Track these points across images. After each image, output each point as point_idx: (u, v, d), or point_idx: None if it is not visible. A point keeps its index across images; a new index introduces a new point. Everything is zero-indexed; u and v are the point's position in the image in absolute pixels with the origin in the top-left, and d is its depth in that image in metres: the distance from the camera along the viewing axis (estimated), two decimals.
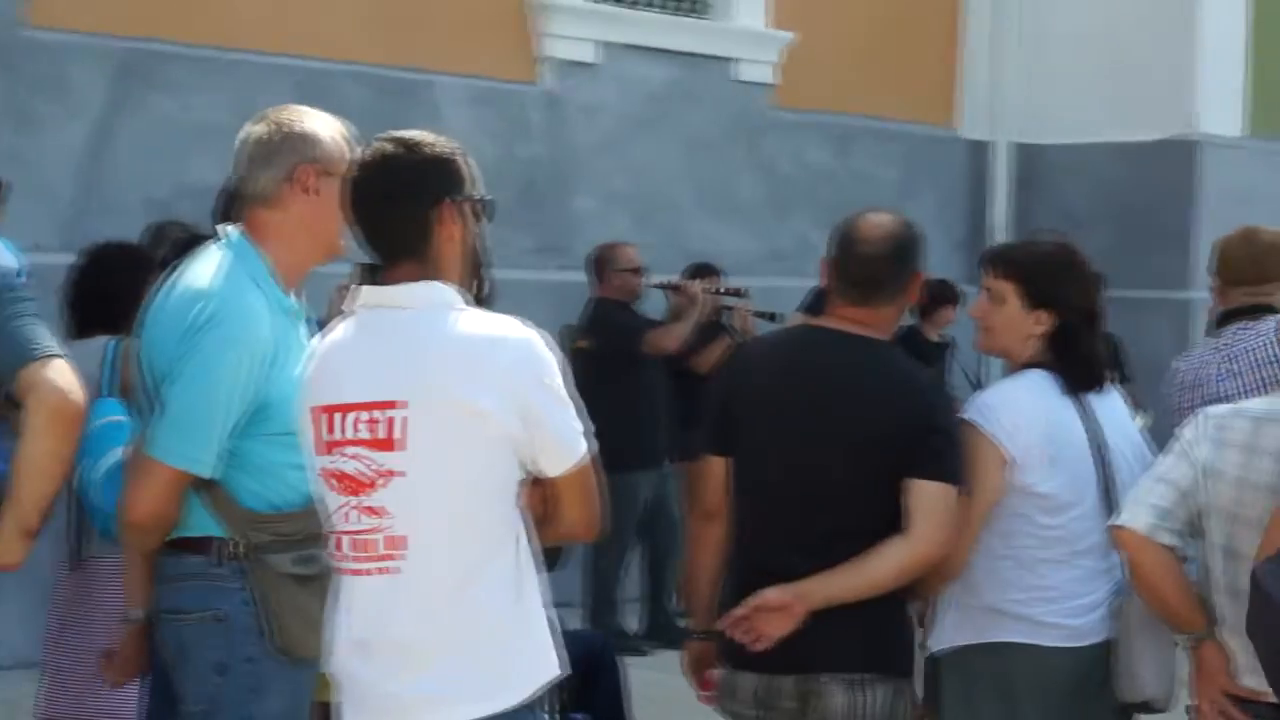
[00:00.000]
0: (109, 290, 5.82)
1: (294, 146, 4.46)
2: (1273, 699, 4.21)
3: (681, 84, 12.31)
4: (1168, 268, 13.29)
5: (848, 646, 4.66)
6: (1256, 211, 12.23)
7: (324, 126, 4.51)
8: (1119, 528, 4.42)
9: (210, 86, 10.06)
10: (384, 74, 10.77)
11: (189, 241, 6.25)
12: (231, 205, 4.96)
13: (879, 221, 4.84)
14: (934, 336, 12.07)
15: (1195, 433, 4.39)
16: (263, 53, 10.30)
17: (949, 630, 4.91)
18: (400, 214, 3.81)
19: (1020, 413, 4.79)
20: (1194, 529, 4.35)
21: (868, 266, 4.77)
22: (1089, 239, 13.73)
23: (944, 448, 4.69)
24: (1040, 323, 4.85)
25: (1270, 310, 5.74)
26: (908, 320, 11.40)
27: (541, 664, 3.82)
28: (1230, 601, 4.30)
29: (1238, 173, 13.58)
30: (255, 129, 4.52)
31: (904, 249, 4.82)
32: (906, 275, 4.83)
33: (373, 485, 3.74)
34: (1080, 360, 4.90)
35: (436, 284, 3.79)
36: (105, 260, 6.07)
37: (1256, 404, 4.44)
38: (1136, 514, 4.38)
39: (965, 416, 4.81)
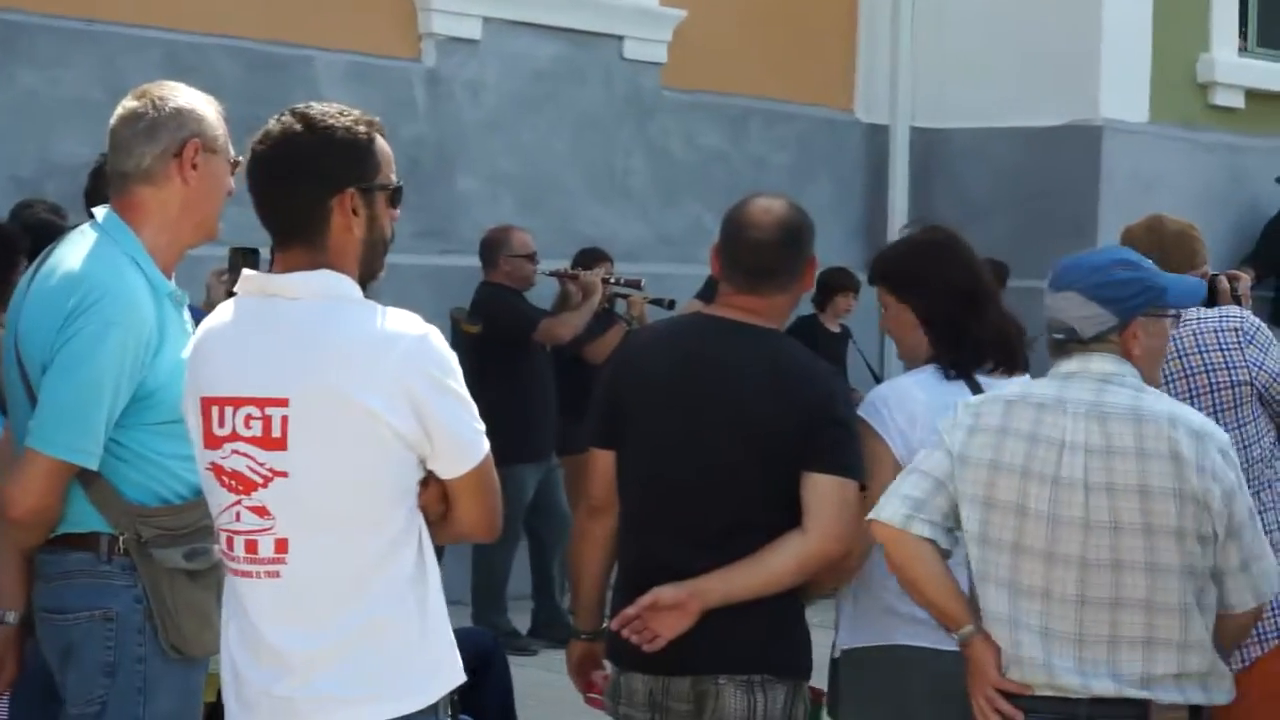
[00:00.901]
0: None
1: (180, 122, 4.41)
2: (1042, 691, 4.25)
3: (569, 62, 12.28)
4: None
5: (744, 646, 4.67)
6: (1160, 199, 12.41)
7: (203, 102, 4.48)
8: (872, 521, 4.41)
9: (76, 59, 9.96)
10: (259, 48, 10.70)
11: (48, 226, 6.20)
12: (101, 184, 4.92)
13: (769, 207, 4.84)
14: (832, 326, 12.14)
15: (951, 421, 4.41)
16: (131, 24, 10.19)
17: (845, 631, 4.95)
18: (298, 198, 3.75)
19: (911, 408, 4.82)
20: (955, 519, 4.35)
21: (758, 254, 4.77)
22: (990, 227, 13.99)
23: (843, 440, 4.72)
24: (915, 314, 4.90)
25: None
26: (806, 309, 11.47)
27: (443, 670, 3.80)
28: (992, 591, 4.31)
29: (1141, 159, 13.70)
30: (132, 104, 4.46)
31: (796, 235, 4.82)
32: (799, 262, 4.84)
33: (259, 485, 3.71)
34: (961, 343, 4.93)
35: (330, 273, 3.73)
36: None
37: (1012, 388, 4.47)
38: (890, 505, 4.37)
39: (860, 413, 4.84)
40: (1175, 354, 5.56)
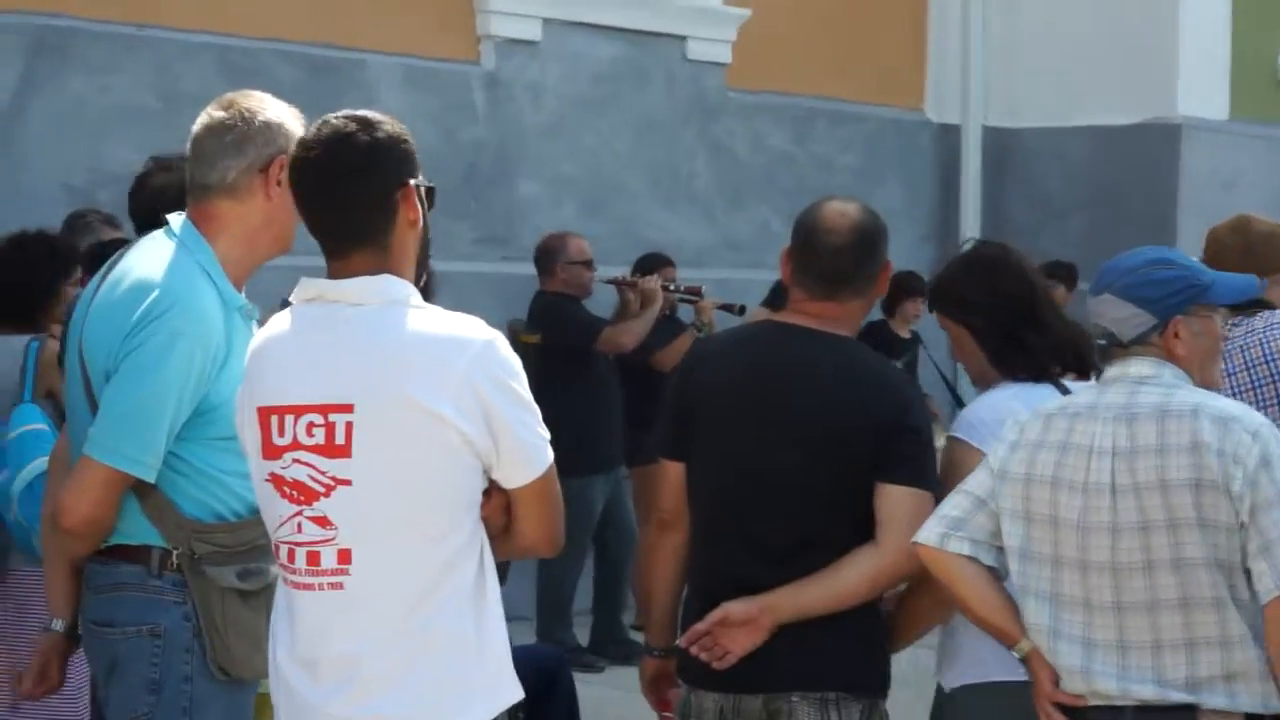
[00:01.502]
0: (27, 283, 5.79)
1: (269, 137, 4.42)
2: (1095, 701, 4.25)
3: (631, 63, 12.28)
4: None
5: (818, 662, 4.67)
6: (1240, 198, 12.35)
7: (290, 116, 4.48)
8: (915, 544, 4.44)
9: (128, 66, 9.99)
10: (314, 52, 10.72)
11: (103, 243, 6.21)
12: (145, 196, 4.92)
13: (843, 210, 4.84)
14: (903, 332, 12.11)
15: (998, 438, 4.44)
16: (183, 29, 10.22)
17: (959, 665, 4.91)
18: (362, 196, 3.77)
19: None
20: (999, 536, 4.37)
21: (833, 259, 4.77)
22: (1065, 228, 13.96)
23: (917, 450, 4.72)
24: (972, 335, 4.88)
25: (1264, 305, 5.73)
26: (875, 315, 11.44)
27: (501, 688, 3.80)
28: (1032, 604, 4.32)
29: (1221, 157, 13.65)
30: (220, 114, 4.47)
31: (870, 240, 4.82)
32: (874, 267, 4.84)
33: (321, 494, 3.72)
34: (1025, 355, 4.90)
35: (391, 278, 3.76)
36: (22, 251, 6.04)
37: (1055, 402, 4.48)
38: (929, 526, 4.41)
39: (955, 434, 4.83)
40: (1243, 365, 5.54)
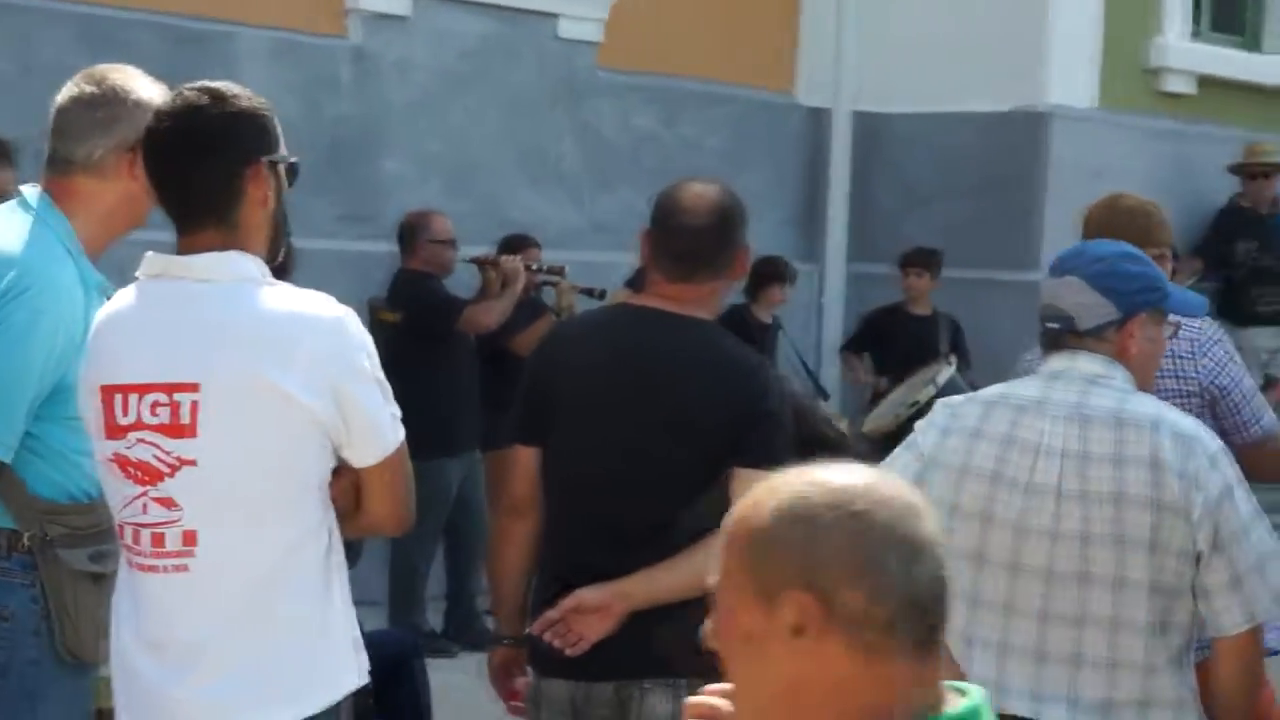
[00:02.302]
0: None
1: (138, 116, 4.33)
2: (1006, 712, 4.13)
3: (500, 40, 12.25)
4: (1013, 247, 13.42)
5: (670, 649, 4.64)
6: (1107, 187, 12.33)
7: (159, 95, 4.40)
8: None
9: None
10: (179, 23, 10.61)
11: None
12: None
13: (702, 192, 4.84)
14: (764, 317, 12.15)
15: (927, 422, 4.37)
16: None
17: None
18: (208, 171, 3.75)
19: None
20: None
21: (689, 240, 4.77)
22: (931, 215, 14.06)
23: (772, 433, 4.73)
24: None
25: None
26: (737, 298, 11.47)
27: (348, 672, 3.79)
28: (956, 604, 4.26)
29: (1088, 147, 13.75)
30: (89, 89, 4.39)
31: (728, 221, 4.82)
32: (731, 250, 4.83)
33: (166, 475, 3.69)
34: None
35: (240, 254, 3.74)
36: None
37: (994, 389, 4.38)
38: None
39: None
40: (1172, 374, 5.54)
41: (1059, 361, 4.26)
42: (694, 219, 4.78)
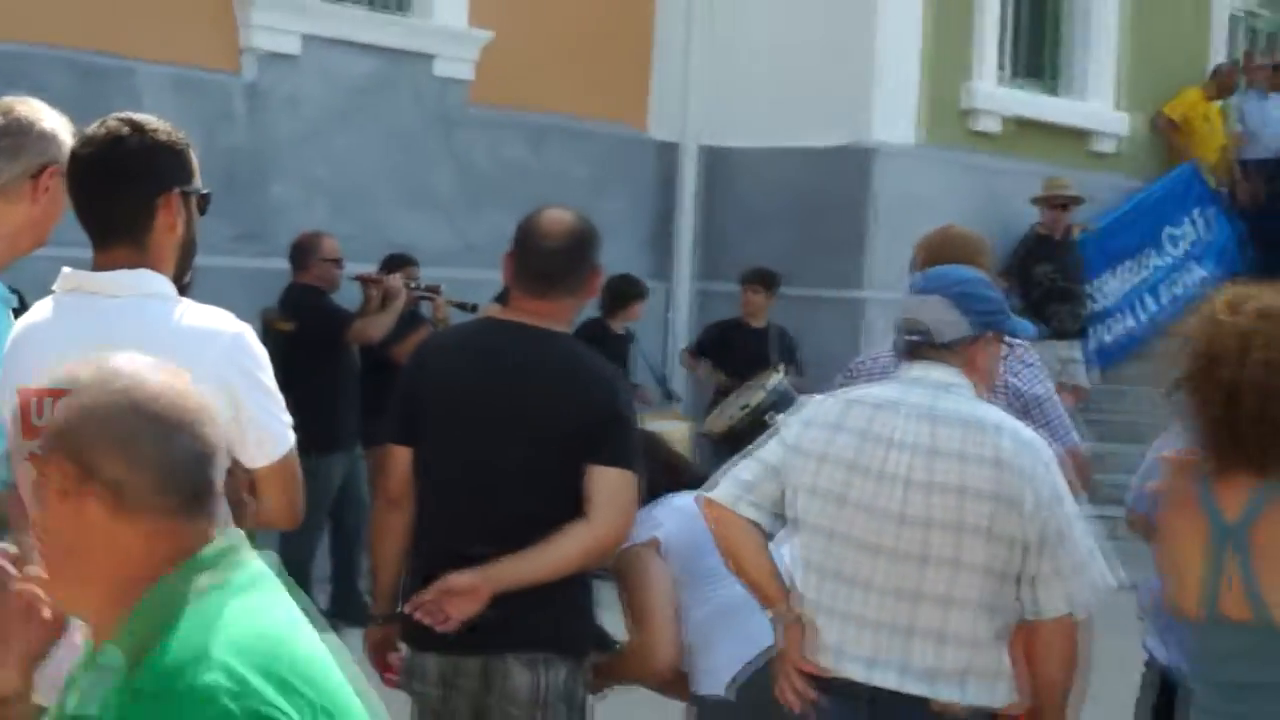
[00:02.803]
0: None
1: (44, 147, 4.27)
2: (843, 674, 4.23)
3: (382, 78, 12.22)
4: (842, 268, 13.54)
5: (530, 627, 4.68)
6: (925, 217, 12.49)
7: (63, 126, 4.35)
8: (705, 498, 4.44)
9: None
10: (84, 58, 10.50)
11: None
12: None
13: (559, 218, 4.87)
14: (618, 329, 12.17)
15: (792, 414, 4.42)
16: None
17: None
18: (124, 198, 3.73)
19: None
20: (783, 505, 4.35)
21: (546, 261, 4.79)
22: (769, 240, 14.13)
23: (623, 435, 4.75)
24: None
25: None
26: (594, 312, 11.50)
27: None
28: (802, 574, 4.32)
29: (908, 180, 13.87)
30: None
31: (582, 245, 4.85)
32: (584, 270, 4.86)
33: None
34: None
35: (149, 272, 3.72)
36: None
37: (855, 390, 4.46)
38: (723, 486, 4.40)
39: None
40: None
41: (916, 369, 4.32)
42: (550, 242, 4.80)
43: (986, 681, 4.21)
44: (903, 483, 4.20)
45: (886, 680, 4.20)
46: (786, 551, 4.43)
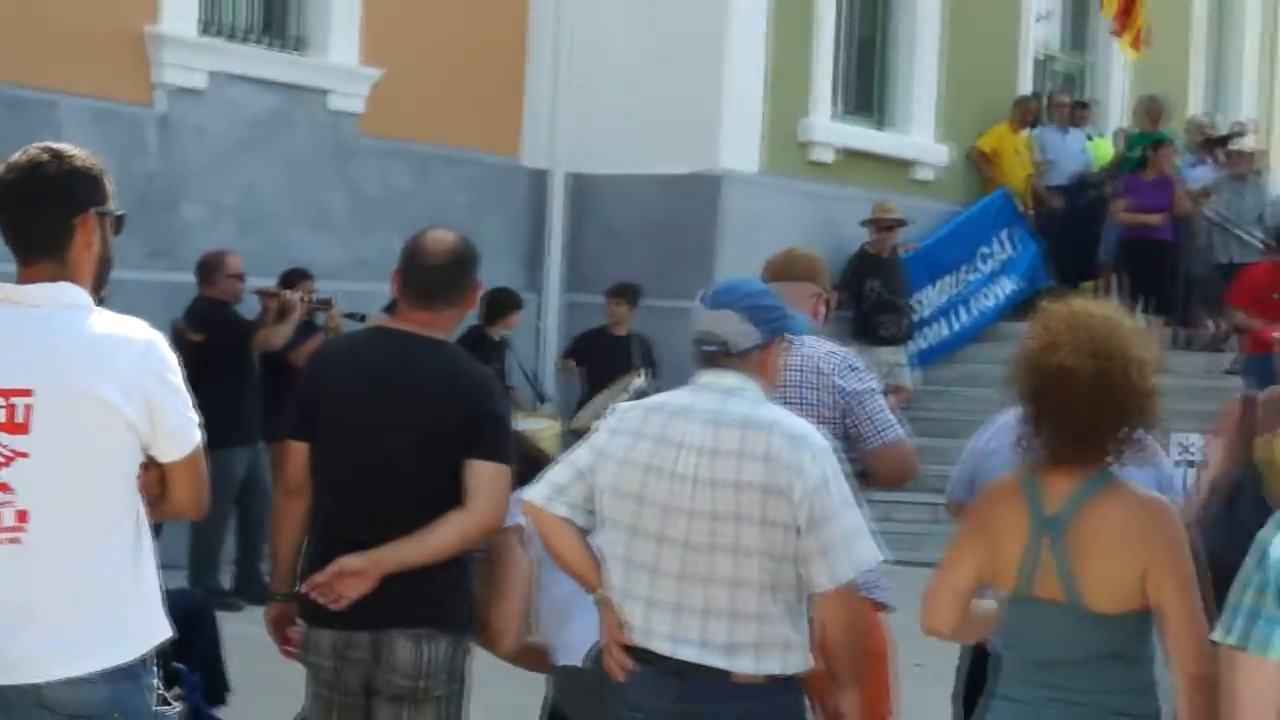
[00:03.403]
0: None
1: None
2: (652, 649, 4.21)
3: (281, 111, 12.14)
4: (694, 282, 13.42)
5: (414, 605, 4.66)
6: (767, 238, 12.65)
7: None
8: (522, 500, 4.41)
9: None
10: (10, 92, 10.38)
11: None
12: None
13: (441, 238, 4.85)
14: (496, 337, 12.14)
15: (602, 422, 4.40)
16: None
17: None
18: (45, 218, 3.69)
19: None
20: (594, 503, 4.32)
21: (430, 276, 4.78)
22: (630, 257, 14.16)
23: (498, 432, 4.73)
24: None
25: None
26: (475, 322, 11.48)
27: (155, 627, 3.74)
28: (615, 566, 4.29)
29: (752, 204, 13.95)
30: None
31: (463, 262, 4.83)
32: (464, 284, 4.84)
33: (2, 464, 3.61)
34: None
35: (69, 285, 3.68)
36: None
37: (655, 398, 4.42)
38: (537, 488, 4.37)
39: None
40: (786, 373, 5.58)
41: (707, 376, 4.30)
42: (434, 260, 4.78)
43: (778, 652, 4.19)
44: (691, 481, 4.18)
45: (689, 655, 4.19)
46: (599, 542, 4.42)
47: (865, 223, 14.50)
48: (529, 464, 4.92)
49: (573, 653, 4.89)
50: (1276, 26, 21.89)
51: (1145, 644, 3.90)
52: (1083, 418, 3.88)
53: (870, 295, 14.31)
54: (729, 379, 4.27)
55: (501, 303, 11.96)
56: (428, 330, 4.78)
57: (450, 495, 4.66)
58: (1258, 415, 5.17)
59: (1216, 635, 3.33)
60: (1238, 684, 3.28)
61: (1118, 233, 15.85)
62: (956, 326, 15.53)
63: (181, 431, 3.71)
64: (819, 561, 4.16)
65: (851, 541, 4.19)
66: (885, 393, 5.89)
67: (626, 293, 12.81)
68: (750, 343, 4.28)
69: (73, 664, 3.61)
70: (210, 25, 11.83)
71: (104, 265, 3.79)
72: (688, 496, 4.18)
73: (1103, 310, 4.03)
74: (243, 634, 7.65)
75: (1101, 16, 17.34)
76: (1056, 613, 3.90)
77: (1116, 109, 18.44)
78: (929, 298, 15.43)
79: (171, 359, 3.70)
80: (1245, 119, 19.62)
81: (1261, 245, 15.18)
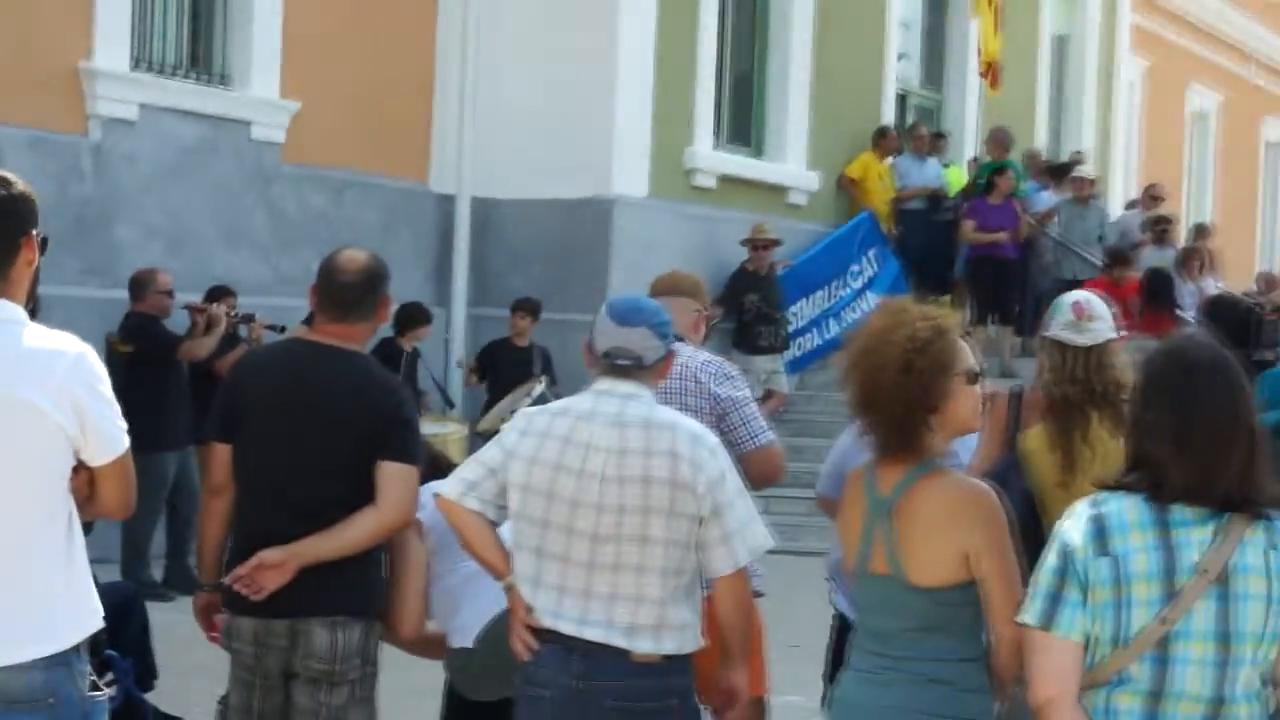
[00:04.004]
0: None
1: None
2: (562, 630, 4.20)
3: (207, 141, 12.04)
4: (589, 297, 13.53)
5: (329, 595, 4.63)
6: (656, 256, 12.72)
7: None
8: (436, 494, 4.40)
9: None
10: None
11: None
12: None
13: (354, 256, 4.82)
14: (407, 348, 12.09)
15: (510, 425, 4.40)
16: None
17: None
18: None
19: None
20: (505, 498, 4.30)
21: (344, 292, 4.75)
22: (531, 275, 14.13)
23: (407, 436, 4.70)
24: None
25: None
26: (388, 334, 11.42)
27: (87, 617, 3.68)
28: (528, 556, 4.27)
29: (642, 226, 13.99)
30: None
31: (373, 279, 4.79)
32: (376, 300, 4.81)
33: None
34: None
35: (7, 302, 3.63)
36: None
37: (559, 403, 4.43)
38: (450, 483, 4.35)
39: None
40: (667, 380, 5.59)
41: (604, 384, 4.31)
42: (348, 277, 4.75)
43: (675, 632, 4.21)
44: (599, 479, 4.19)
45: (595, 635, 4.19)
46: (507, 533, 4.40)
47: (744, 242, 14.57)
48: (431, 465, 4.90)
49: (465, 635, 4.87)
50: (1111, 67, 22.27)
51: (966, 617, 3.92)
52: (895, 408, 3.92)
53: (750, 308, 14.37)
54: (625, 386, 4.29)
55: (412, 316, 11.91)
56: (342, 342, 4.75)
57: (362, 493, 4.63)
58: (1021, 412, 5.25)
59: (1021, 618, 3.43)
60: (1041, 661, 3.39)
61: (967, 251, 16.03)
62: (827, 336, 15.61)
63: (110, 438, 3.66)
64: (720, 548, 4.19)
65: (747, 529, 4.24)
66: (763, 397, 5.92)
67: (528, 307, 12.81)
68: (657, 356, 4.33)
69: (8, 653, 3.55)
70: (141, 61, 11.71)
71: (34, 283, 3.75)
72: (595, 492, 4.18)
73: (920, 310, 4.06)
74: (172, 621, 7.57)
75: (980, 60, 17.46)
76: (885, 586, 3.94)
77: (969, 140, 18.64)
78: (802, 310, 15.52)
79: (101, 370, 3.66)
80: (1082, 149, 19.96)
81: (1100, 263, 15.51)
